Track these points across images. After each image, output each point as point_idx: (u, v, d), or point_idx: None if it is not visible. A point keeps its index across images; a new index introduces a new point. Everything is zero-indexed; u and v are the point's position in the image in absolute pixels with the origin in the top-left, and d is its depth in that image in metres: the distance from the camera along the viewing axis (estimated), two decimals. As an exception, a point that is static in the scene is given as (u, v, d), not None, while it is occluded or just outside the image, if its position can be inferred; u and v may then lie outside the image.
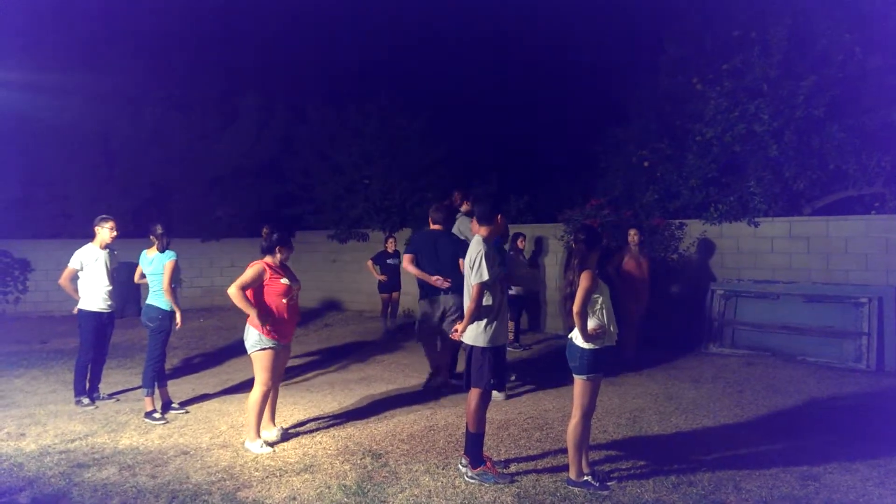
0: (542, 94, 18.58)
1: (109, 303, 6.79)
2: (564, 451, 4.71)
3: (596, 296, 4.42)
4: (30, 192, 14.46)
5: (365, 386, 7.60)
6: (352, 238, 14.39)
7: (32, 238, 14.01)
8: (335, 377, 8.18)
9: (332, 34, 18.82)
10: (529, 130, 18.02)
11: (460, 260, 6.71)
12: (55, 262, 12.49)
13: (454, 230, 7.33)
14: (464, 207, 7.56)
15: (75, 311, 6.79)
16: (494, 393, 6.75)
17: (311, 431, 5.80)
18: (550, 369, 7.86)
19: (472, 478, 4.57)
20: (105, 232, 6.71)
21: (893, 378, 7.61)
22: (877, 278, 8.48)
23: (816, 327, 8.48)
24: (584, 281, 4.35)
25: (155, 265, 6.41)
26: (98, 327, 6.74)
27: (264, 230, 6.03)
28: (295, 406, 6.64)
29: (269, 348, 5.30)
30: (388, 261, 11.29)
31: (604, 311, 4.44)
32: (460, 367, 7.07)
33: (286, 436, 5.60)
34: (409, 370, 8.16)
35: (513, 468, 4.85)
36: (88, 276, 6.68)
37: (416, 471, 4.79)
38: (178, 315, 6.43)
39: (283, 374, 6.20)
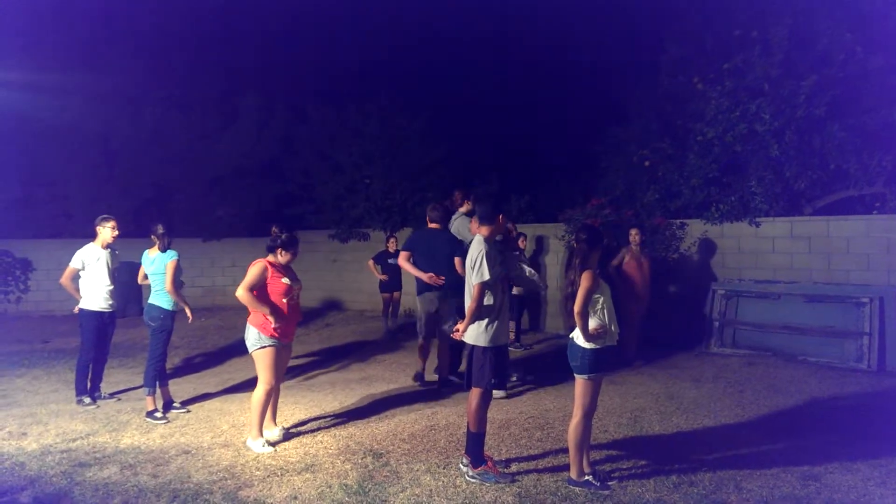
0: (542, 94, 18.57)
1: (111, 302, 6.80)
2: (565, 450, 4.72)
3: (597, 296, 4.42)
4: (31, 192, 14.48)
5: (366, 385, 7.61)
6: (353, 238, 14.40)
7: (33, 238, 14.03)
8: (336, 376, 8.18)
9: (332, 34, 18.83)
10: (530, 130, 18.01)
11: (456, 259, 6.87)
12: (56, 261, 12.50)
13: (453, 230, 7.42)
14: (464, 207, 7.58)
15: (76, 310, 6.80)
16: (495, 391, 6.84)
17: (313, 431, 5.81)
18: (551, 369, 7.86)
19: (473, 477, 4.58)
20: (107, 232, 6.72)
21: (894, 378, 7.60)
22: (878, 278, 8.48)
23: (817, 327, 8.48)
24: (585, 281, 4.35)
25: (157, 265, 6.42)
26: (99, 327, 6.75)
27: (273, 229, 6.06)
28: (296, 405, 6.65)
29: (269, 346, 5.31)
30: (390, 260, 11.28)
31: (605, 311, 4.44)
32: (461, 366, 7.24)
33: (287, 435, 5.61)
34: (410, 370, 8.16)
35: (514, 468, 4.86)
36: (90, 276, 6.69)
37: (418, 470, 4.79)
38: (187, 310, 6.47)
39: (285, 373, 6.21)
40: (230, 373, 8.41)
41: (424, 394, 7.09)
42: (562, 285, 4.55)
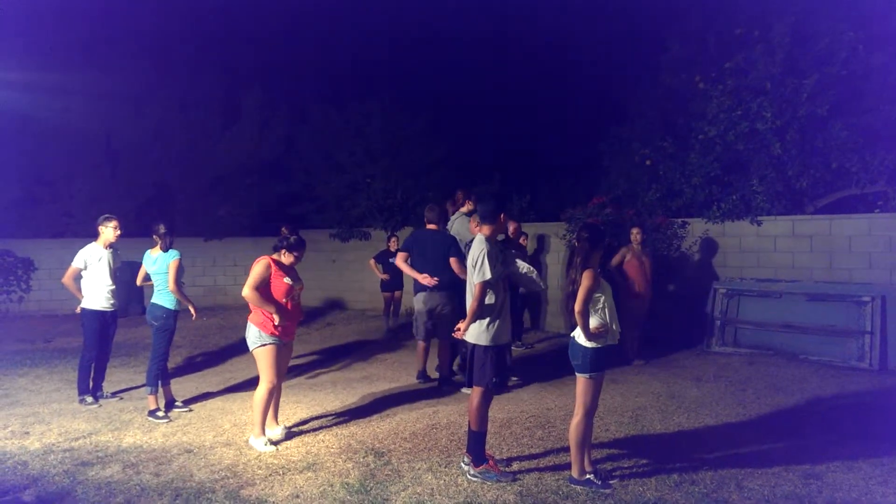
0: (544, 93, 18.59)
1: (112, 301, 6.81)
2: (567, 449, 4.72)
3: (598, 295, 4.42)
4: (32, 192, 14.51)
5: (367, 384, 7.62)
6: (354, 237, 14.40)
7: (35, 237, 14.05)
8: (338, 376, 8.19)
9: (333, 34, 18.87)
10: (531, 129, 18.03)
11: (452, 259, 6.97)
12: (58, 261, 12.50)
13: (454, 230, 7.50)
14: (466, 207, 7.60)
15: (78, 309, 6.82)
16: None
17: (315, 430, 5.82)
18: (552, 368, 7.86)
19: (474, 476, 4.58)
20: (109, 231, 6.73)
21: (896, 377, 7.61)
22: (880, 277, 8.47)
23: (819, 326, 8.47)
24: (586, 280, 4.35)
25: (159, 264, 6.43)
26: (101, 326, 6.76)
27: (283, 229, 6.07)
28: (298, 404, 6.66)
29: (270, 344, 5.32)
30: (391, 260, 11.27)
31: (606, 310, 4.44)
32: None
33: (289, 434, 5.62)
34: (411, 368, 8.16)
35: (515, 466, 4.86)
36: (92, 275, 6.70)
37: (419, 469, 4.79)
38: (191, 308, 6.49)
39: (286, 372, 6.21)
40: (232, 372, 8.42)
41: (426, 392, 7.10)
42: (563, 284, 4.55)
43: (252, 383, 6.56)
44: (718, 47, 10.84)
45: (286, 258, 5.47)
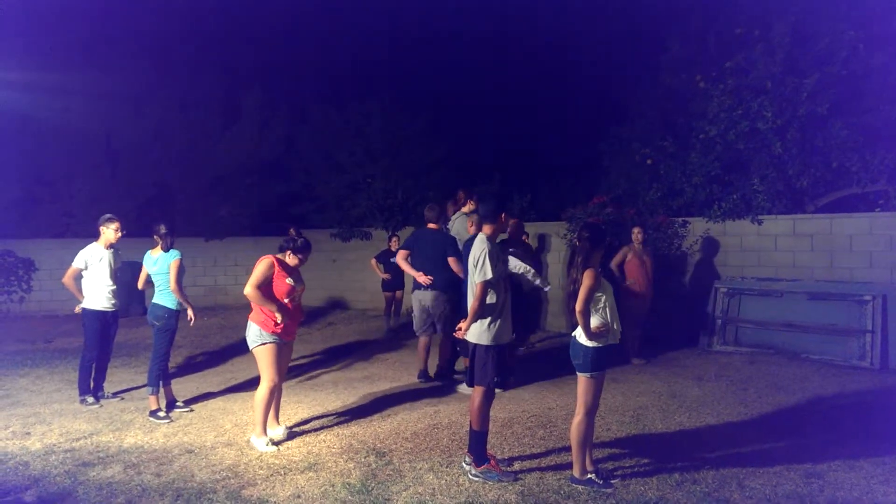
0: (544, 93, 18.60)
1: (113, 301, 6.81)
2: (568, 448, 4.72)
3: (599, 294, 4.42)
4: (33, 192, 14.52)
5: (368, 384, 7.61)
6: (355, 237, 14.41)
7: (36, 237, 14.06)
8: (339, 375, 8.19)
9: (333, 34, 18.87)
10: (532, 129, 18.04)
11: (450, 259, 7.12)
12: (59, 261, 12.50)
13: (454, 230, 7.61)
14: (467, 207, 7.62)
15: (78, 309, 6.81)
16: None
17: (316, 430, 5.82)
18: (554, 367, 7.86)
19: (475, 476, 4.58)
20: (110, 232, 6.73)
21: (897, 376, 7.60)
22: (881, 276, 8.46)
23: (820, 325, 8.47)
24: (587, 279, 4.35)
25: (160, 264, 6.42)
26: (102, 326, 6.76)
27: (291, 231, 6.10)
28: (299, 404, 6.66)
29: (270, 343, 5.32)
30: (392, 259, 11.27)
31: (607, 310, 4.44)
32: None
33: (290, 434, 5.61)
34: (412, 368, 8.16)
35: (516, 466, 4.86)
36: (92, 276, 6.70)
37: (420, 469, 4.79)
38: (190, 311, 6.46)
39: (287, 372, 6.21)
40: (233, 372, 8.42)
41: (427, 392, 7.10)
42: (564, 284, 4.55)
43: (253, 383, 6.56)
44: (719, 47, 10.84)
45: (291, 259, 5.49)
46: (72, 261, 6.74)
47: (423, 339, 7.62)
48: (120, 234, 6.78)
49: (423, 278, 7.30)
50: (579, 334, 4.45)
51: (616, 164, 12.53)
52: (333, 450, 5.26)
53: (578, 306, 4.34)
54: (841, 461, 4.82)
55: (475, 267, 4.68)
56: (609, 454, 5.08)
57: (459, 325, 4.85)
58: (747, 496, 4.26)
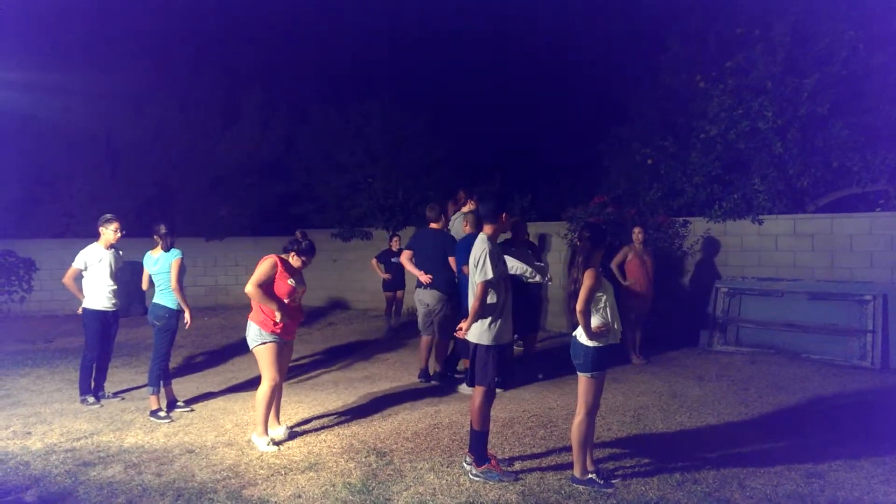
0: (544, 93, 18.60)
1: (114, 301, 6.82)
2: (569, 448, 4.72)
3: (600, 294, 4.42)
4: (33, 192, 14.52)
5: (369, 384, 7.61)
6: (355, 237, 14.41)
7: (36, 237, 14.06)
8: (339, 375, 8.19)
9: (333, 34, 18.86)
10: (532, 129, 18.04)
11: (451, 259, 7.22)
12: (59, 261, 12.51)
13: (453, 230, 7.70)
14: (468, 206, 7.63)
15: (80, 310, 6.82)
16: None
17: (316, 430, 5.82)
18: (554, 367, 7.86)
19: (476, 475, 4.58)
20: (109, 233, 6.73)
21: (898, 375, 7.60)
22: (881, 276, 8.46)
23: (821, 325, 8.47)
24: (587, 279, 4.35)
25: (161, 264, 6.42)
26: (102, 326, 6.76)
27: (297, 233, 6.12)
28: (300, 404, 6.66)
29: (271, 342, 5.33)
30: (393, 259, 11.30)
31: (607, 310, 4.44)
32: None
33: (291, 434, 5.61)
34: (413, 368, 8.17)
35: (517, 466, 4.86)
36: (93, 276, 6.70)
37: (421, 469, 4.79)
38: (186, 314, 6.45)
39: (288, 372, 6.21)
40: (233, 372, 8.42)
41: (428, 392, 7.10)
42: (565, 283, 4.55)
43: (253, 383, 6.56)
44: (719, 47, 10.84)
45: (295, 261, 5.50)
46: (72, 261, 6.75)
47: (425, 339, 7.64)
48: (119, 235, 6.77)
49: (424, 277, 7.43)
50: (580, 334, 4.45)
51: (616, 163, 12.53)
52: (334, 450, 5.26)
53: (579, 306, 4.34)
54: (842, 461, 4.82)
55: (476, 267, 4.68)
56: (610, 454, 5.08)
57: (460, 325, 4.85)
58: (748, 496, 4.26)
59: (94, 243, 6.79)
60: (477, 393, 4.70)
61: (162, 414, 6.18)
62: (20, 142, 13.87)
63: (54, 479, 4.66)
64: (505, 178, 14.16)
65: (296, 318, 5.56)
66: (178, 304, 6.43)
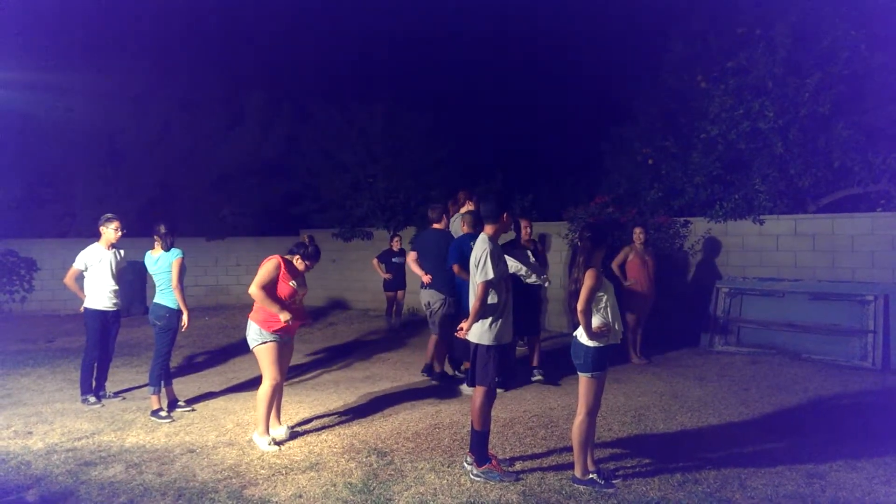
0: (546, 93, 18.59)
1: (115, 301, 6.82)
2: (569, 448, 4.71)
3: (601, 294, 4.42)
4: (35, 192, 14.54)
5: (370, 384, 7.62)
6: (356, 237, 14.43)
7: (38, 237, 14.08)
8: (340, 375, 8.19)
9: (335, 34, 18.83)
10: (533, 129, 18.03)
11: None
12: (60, 260, 12.53)
13: (453, 230, 7.75)
14: (467, 207, 7.66)
15: (81, 310, 6.82)
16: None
17: (317, 429, 5.82)
18: (555, 367, 7.86)
19: (477, 476, 4.58)
20: (110, 232, 6.74)
21: (899, 376, 7.59)
22: (883, 276, 8.45)
23: (822, 325, 8.46)
24: (588, 279, 4.35)
25: (161, 264, 6.42)
26: (103, 325, 6.77)
27: (304, 237, 6.15)
28: (300, 404, 6.66)
29: (271, 342, 5.33)
30: (394, 259, 11.31)
31: (608, 310, 4.44)
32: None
33: (292, 434, 5.61)
34: (413, 368, 8.17)
35: (518, 466, 4.86)
36: (94, 276, 6.71)
37: (422, 469, 4.79)
38: (185, 315, 6.45)
39: (288, 372, 6.22)
40: (234, 371, 8.43)
41: (428, 392, 7.10)
42: (566, 283, 4.56)
43: (254, 383, 6.56)
44: (720, 47, 10.82)
45: (299, 264, 5.50)
46: (73, 261, 6.76)
47: (433, 337, 7.68)
48: (120, 234, 6.78)
49: (425, 277, 7.53)
50: (580, 334, 4.45)
51: (617, 164, 12.52)
52: (335, 449, 5.26)
53: (580, 306, 4.35)
54: (842, 461, 4.81)
55: (476, 267, 4.68)
56: (611, 454, 5.08)
57: (461, 325, 4.85)
58: (749, 496, 4.26)
59: (95, 243, 6.80)
60: (478, 393, 4.70)
61: (163, 414, 6.18)
62: (22, 142, 13.89)
63: (55, 479, 4.67)
64: (506, 178, 14.15)
65: (298, 318, 5.56)
66: (180, 303, 6.43)
